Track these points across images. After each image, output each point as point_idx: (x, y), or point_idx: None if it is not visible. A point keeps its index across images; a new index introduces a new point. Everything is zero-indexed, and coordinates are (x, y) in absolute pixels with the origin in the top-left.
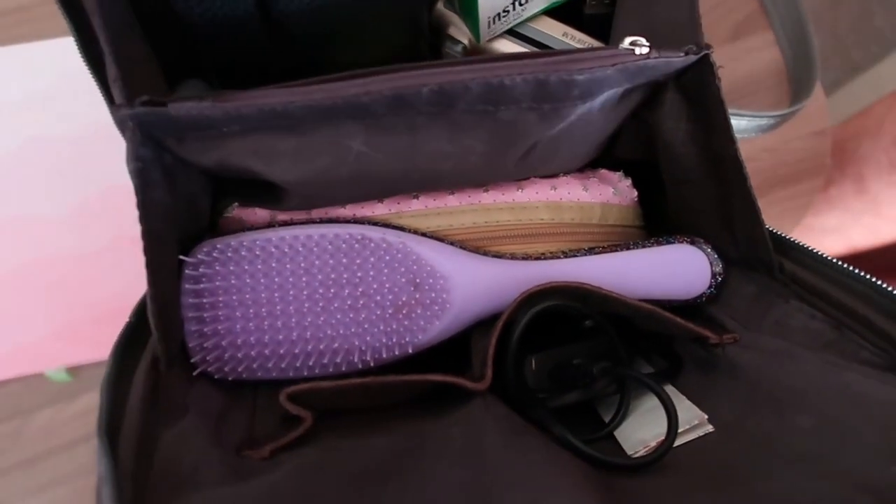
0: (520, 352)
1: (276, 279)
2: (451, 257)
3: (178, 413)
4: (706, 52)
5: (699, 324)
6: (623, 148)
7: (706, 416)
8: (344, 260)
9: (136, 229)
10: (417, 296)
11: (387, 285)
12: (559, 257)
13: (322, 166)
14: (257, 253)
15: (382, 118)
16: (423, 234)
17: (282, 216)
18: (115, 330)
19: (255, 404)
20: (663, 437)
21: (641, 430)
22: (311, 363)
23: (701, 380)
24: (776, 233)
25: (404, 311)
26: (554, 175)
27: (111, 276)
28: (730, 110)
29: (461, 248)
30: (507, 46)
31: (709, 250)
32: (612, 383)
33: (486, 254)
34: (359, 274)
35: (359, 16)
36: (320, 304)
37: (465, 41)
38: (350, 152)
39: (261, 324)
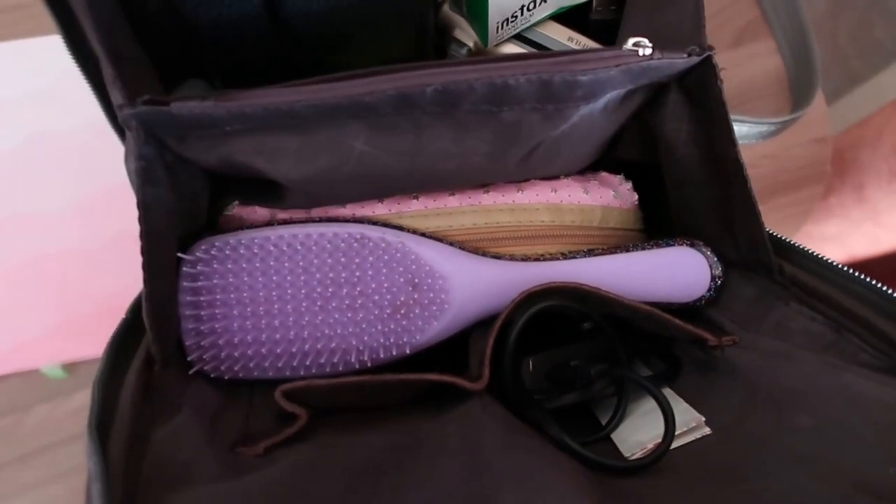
0: (517, 352)
1: (275, 278)
2: (450, 257)
3: (171, 411)
4: (709, 53)
5: (698, 326)
6: (625, 149)
7: (703, 419)
8: (343, 259)
9: (136, 227)
10: (416, 296)
11: (385, 285)
12: (558, 259)
13: (324, 165)
14: (256, 251)
15: (386, 117)
16: (423, 235)
17: (281, 215)
18: (112, 327)
19: (251, 402)
20: (660, 440)
21: (639, 433)
22: (308, 363)
23: (699, 382)
24: (776, 236)
25: (402, 312)
26: (555, 177)
27: (109, 273)
28: (731, 116)
29: (460, 248)
30: (513, 50)
31: (708, 253)
32: (610, 385)
33: (485, 254)
34: (357, 273)
35: (365, 17)
36: (318, 304)
37: (471, 43)
38: (353, 151)
39: (258, 323)
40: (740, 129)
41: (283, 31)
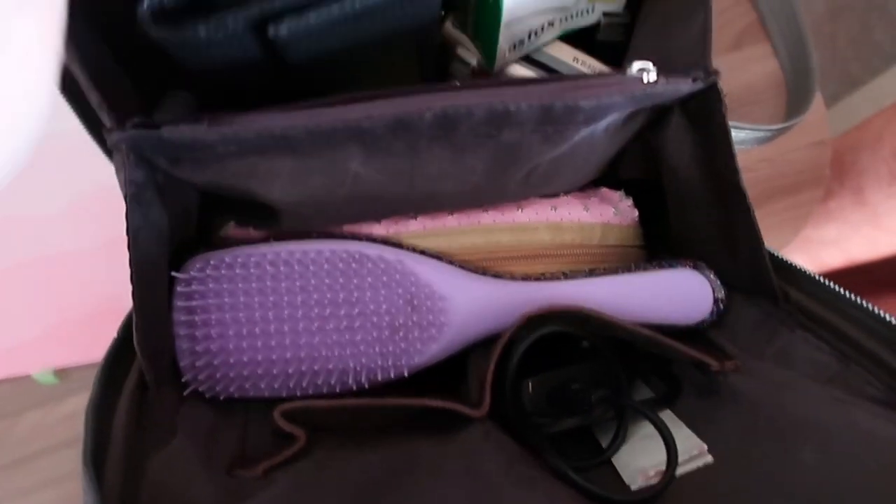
0: (517, 374)
1: (271, 297)
2: (449, 277)
3: (166, 436)
4: (714, 79)
5: (700, 348)
6: (626, 168)
7: (706, 447)
8: (340, 280)
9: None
10: (415, 317)
11: (384, 306)
12: (559, 278)
13: (319, 187)
14: (252, 270)
15: (383, 140)
16: (422, 252)
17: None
18: (104, 332)
19: (247, 419)
20: (662, 468)
21: (640, 458)
22: (304, 383)
23: (701, 405)
24: (784, 260)
25: (401, 333)
26: (554, 194)
27: (101, 278)
28: (729, 122)
29: (460, 267)
30: (518, 71)
31: (711, 276)
32: (610, 409)
33: (485, 273)
34: (355, 294)
35: (368, 52)
36: (315, 324)
37: (474, 62)
38: (348, 173)
39: (254, 343)
40: (738, 134)
41: (282, 69)
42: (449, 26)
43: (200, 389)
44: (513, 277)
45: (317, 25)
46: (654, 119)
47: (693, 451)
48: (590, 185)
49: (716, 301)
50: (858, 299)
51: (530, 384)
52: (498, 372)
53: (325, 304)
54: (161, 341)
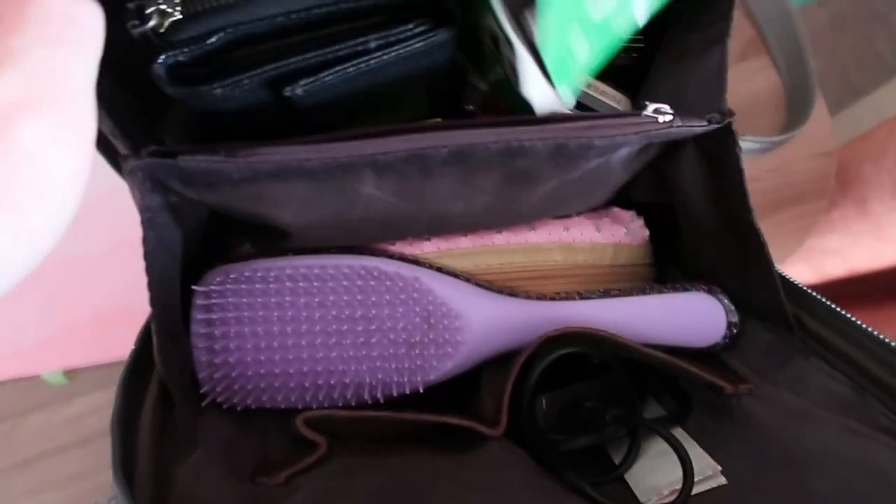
0: (533, 394)
1: (289, 311)
2: (465, 295)
3: (188, 446)
4: (729, 120)
5: (713, 371)
6: (638, 193)
7: (720, 468)
8: (359, 296)
9: (138, 233)
10: (431, 334)
11: (400, 322)
12: (574, 298)
13: (332, 209)
14: (270, 284)
15: (396, 166)
16: (439, 269)
17: None
18: (113, 333)
19: (266, 428)
20: (676, 487)
21: (653, 476)
22: (320, 396)
23: (712, 426)
24: (798, 286)
25: (417, 350)
26: (566, 215)
27: (111, 279)
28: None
29: (476, 285)
30: None
31: (725, 301)
32: (623, 427)
33: (500, 291)
34: (373, 311)
35: (381, 94)
36: (332, 339)
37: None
38: (361, 196)
39: (272, 356)
40: (742, 145)
41: (294, 112)
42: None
43: (218, 400)
44: (528, 296)
45: (332, 83)
46: (667, 150)
47: (707, 471)
48: (601, 205)
49: (729, 325)
50: (874, 331)
51: (544, 401)
52: (513, 391)
53: (343, 318)
54: (180, 354)
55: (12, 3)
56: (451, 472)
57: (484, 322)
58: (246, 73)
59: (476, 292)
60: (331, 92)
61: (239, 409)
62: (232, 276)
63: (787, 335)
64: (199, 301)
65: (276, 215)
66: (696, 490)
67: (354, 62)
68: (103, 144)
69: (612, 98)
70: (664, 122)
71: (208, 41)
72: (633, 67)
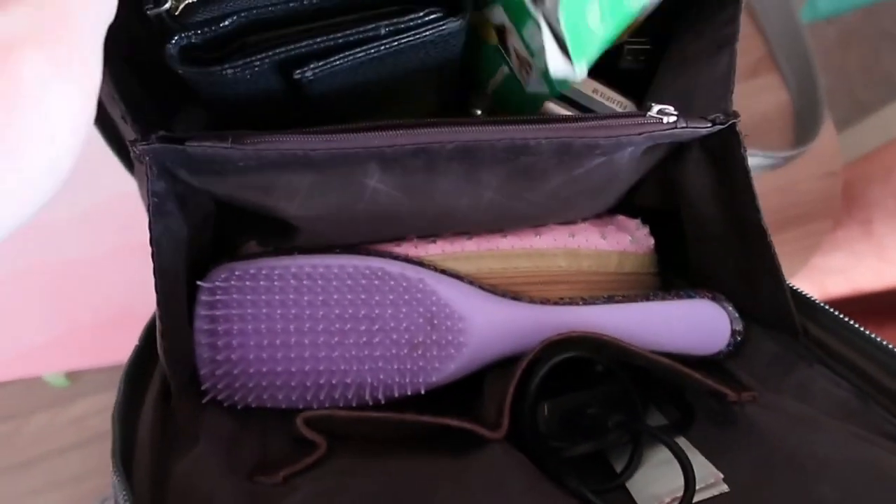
0: (535, 399)
1: (293, 310)
2: (469, 297)
3: (189, 442)
4: (734, 121)
5: (717, 378)
6: (643, 197)
7: (722, 476)
8: (362, 296)
9: (140, 236)
10: (434, 336)
11: (404, 323)
12: (578, 303)
13: (337, 203)
14: (275, 282)
15: (402, 159)
16: (443, 272)
17: None
18: (116, 336)
19: (266, 427)
20: (677, 495)
21: (655, 484)
22: (321, 396)
23: (716, 434)
24: (803, 294)
25: (419, 351)
26: (572, 221)
27: (115, 282)
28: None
29: (480, 288)
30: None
31: (730, 308)
32: (626, 434)
33: (504, 295)
34: (376, 311)
35: (390, 86)
36: (335, 339)
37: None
38: (366, 189)
39: (274, 354)
40: (751, 160)
41: (304, 99)
42: None
43: (219, 398)
44: (532, 300)
45: (341, 68)
46: (673, 152)
47: (709, 479)
48: (606, 213)
49: (733, 333)
50: (877, 338)
51: (546, 407)
52: (515, 395)
53: (346, 318)
54: (183, 349)
55: None
56: (451, 474)
57: (487, 325)
58: (257, 55)
59: (480, 295)
60: (340, 78)
61: (240, 406)
62: (237, 274)
63: (792, 343)
64: (203, 297)
65: (281, 207)
66: (697, 498)
67: (364, 48)
68: (111, 135)
69: (618, 104)
70: (668, 122)
71: (222, 24)
72: (639, 71)
